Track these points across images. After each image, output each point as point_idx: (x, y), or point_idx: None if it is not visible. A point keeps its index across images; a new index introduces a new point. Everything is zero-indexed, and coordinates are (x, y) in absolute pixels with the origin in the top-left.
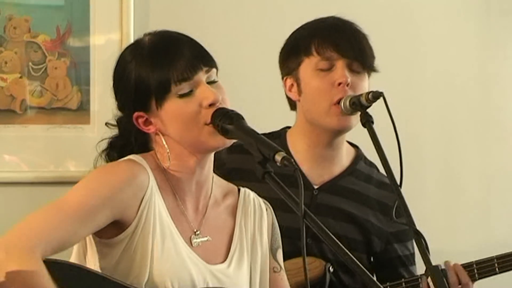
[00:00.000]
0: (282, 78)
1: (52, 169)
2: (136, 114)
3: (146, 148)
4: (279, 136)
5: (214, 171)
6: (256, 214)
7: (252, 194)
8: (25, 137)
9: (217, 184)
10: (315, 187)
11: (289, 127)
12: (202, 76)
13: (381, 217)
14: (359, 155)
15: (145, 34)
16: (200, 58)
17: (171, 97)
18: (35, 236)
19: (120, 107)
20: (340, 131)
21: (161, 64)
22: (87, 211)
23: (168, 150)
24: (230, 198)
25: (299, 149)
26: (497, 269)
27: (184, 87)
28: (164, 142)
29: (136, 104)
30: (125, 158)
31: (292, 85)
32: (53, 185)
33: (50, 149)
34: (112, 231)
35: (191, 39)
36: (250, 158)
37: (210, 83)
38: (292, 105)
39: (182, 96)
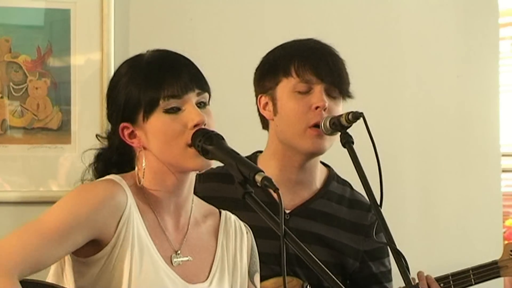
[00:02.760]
0: (256, 96)
1: (33, 189)
2: (122, 125)
3: (130, 164)
4: (250, 160)
5: None
6: (237, 236)
7: (233, 217)
8: (5, 157)
9: (197, 206)
10: (287, 211)
11: (260, 152)
12: (192, 97)
13: (354, 237)
14: (331, 175)
15: (147, 51)
16: (194, 80)
17: (158, 111)
18: (11, 258)
19: (109, 116)
20: (313, 154)
21: (155, 79)
22: (63, 232)
23: (144, 166)
24: (211, 220)
25: (271, 173)
26: (472, 280)
27: (172, 103)
28: (144, 158)
29: (124, 115)
30: (104, 178)
31: (266, 103)
32: (33, 204)
33: (30, 169)
34: (90, 250)
35: (190, 62)
36: (223, 186)
37: (200, 105)
38: (265, 124)
39: (168, 111)
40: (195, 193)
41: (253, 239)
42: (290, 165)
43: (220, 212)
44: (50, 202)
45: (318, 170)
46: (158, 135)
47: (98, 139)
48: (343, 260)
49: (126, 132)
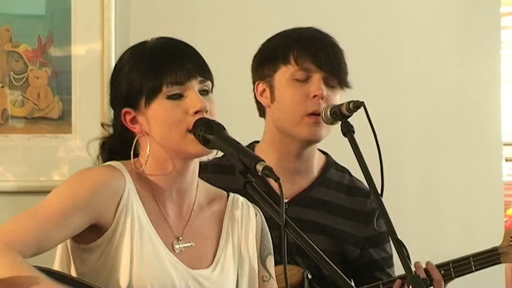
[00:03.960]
0: (253, 83)
1: (34, 179)
2: (124, 110)
3: (131, 151)
4: None
5: None
6: (243, 220)
7: (241, 199)
8: (6, 147)
9: (203, 190)
10: (285, 200)
11: (257, 141)
12: (195, 84)
13: (354, 224)
14: (329, 162)
15: (151, 38)
16: (198, 68)
17: (160, 97)
18: (11, 237)
19: (112, 102)
20: (310, 142)
21: (158, 66)
22: (62, 215)
23: (148, 152)
24: (217, 204)
25: (268, 162)
26: (473, 267)
27: (174, 90)
28: (148, 143)
29: (126, 101)
30: (104, 164)
31: (264, 90)
32: (34, 194)
33: (31, 158)
34: (91, 236)
35: (194, 50)
36: (223, 177)
37: (203, 93)
38: (261, 111)
39: (170, 97)
40: None
41: (264, 221)
42: (288, 153)
43: (228, 196)
44: (50, 192)
45: (316, 158)
46: (159, 121)
47: (104, 128)
48: (344, 248)
49: (128, 118)
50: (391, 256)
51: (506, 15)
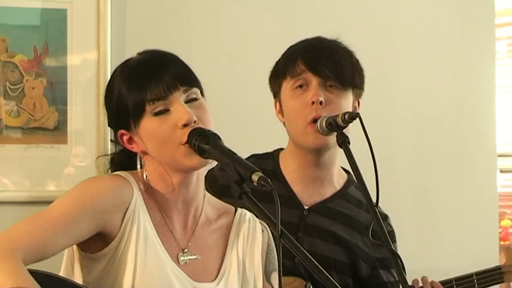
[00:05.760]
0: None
1: (29, 189)
2: (120, 132)
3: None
4: (272, 157)
5: (206, 189)
6: (250, 235)
7: (248, 215)
8: (2, 157)
9: (211, 204)
10: (306, 207)
11: (282, 149)
12: (178, 95)
13: (368, 242)
14: (350, 180)
15: (138, 53)
16: (180, 78)
17: (146, 115)
18: (15, 241)
19: (109, 122)
20: (317, 150)
21: (138, 84)
22: (68, 220)
23: (145, 175)
24: (225, 219)
25: (290, 169)
26: (476, 285)
27: (158, 106)
28: (146, 165)
29: (118, 122)
30: (112, 173)
31: (280, 107)
32: (29, 204)
33: (27, 169)
34: (98, 245)
35: (177, 59)
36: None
37: (190, 101)
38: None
39: (157, 114)
40: (216, 181)
41: (271, 237)
42: (306, 162)
43: (236, 211)
44: (45, 202)
45: (337, 170)
46: (151, 139)
47: (112, 142)
48: (356, 262)
49: (125, 138)
50: (397, 282)
51: (501, 26)
